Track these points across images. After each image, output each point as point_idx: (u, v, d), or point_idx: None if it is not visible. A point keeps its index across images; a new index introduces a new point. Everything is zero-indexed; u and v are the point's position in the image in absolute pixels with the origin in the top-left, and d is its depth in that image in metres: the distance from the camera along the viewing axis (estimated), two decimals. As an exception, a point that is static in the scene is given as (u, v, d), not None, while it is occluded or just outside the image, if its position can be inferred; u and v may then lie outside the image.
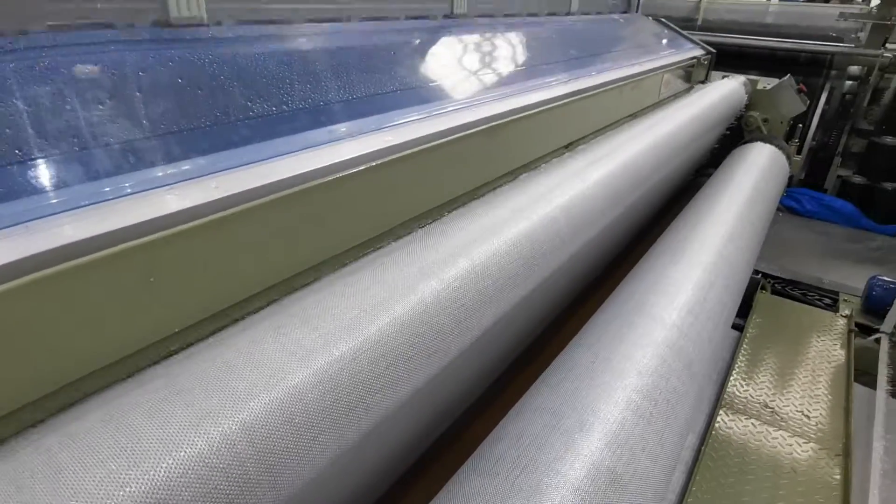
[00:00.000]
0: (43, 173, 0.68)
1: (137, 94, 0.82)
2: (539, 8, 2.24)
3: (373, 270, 0.92)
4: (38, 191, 0.65)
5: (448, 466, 0.93)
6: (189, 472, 0.57)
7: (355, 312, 0.82)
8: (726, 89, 3.12)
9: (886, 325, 2.71)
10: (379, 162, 0.95)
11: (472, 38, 1.65)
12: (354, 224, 0.95)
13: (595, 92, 1.74)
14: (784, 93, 3.31)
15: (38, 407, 0.59)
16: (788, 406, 2.07)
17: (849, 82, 4.54)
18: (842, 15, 4.45)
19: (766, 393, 2.12)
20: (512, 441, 0.86)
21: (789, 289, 3.10)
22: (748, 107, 3.45)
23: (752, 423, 1.98)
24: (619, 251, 2.01)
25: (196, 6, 0.94)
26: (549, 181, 1.39)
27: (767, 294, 2.89)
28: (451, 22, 1.73)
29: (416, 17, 1.65)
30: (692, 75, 3.17)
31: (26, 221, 0.59)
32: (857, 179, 4.37)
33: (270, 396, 0.66)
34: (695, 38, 3.64)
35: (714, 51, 3.45)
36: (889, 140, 4.20)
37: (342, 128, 1.01)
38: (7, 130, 0.68)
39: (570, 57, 1.90)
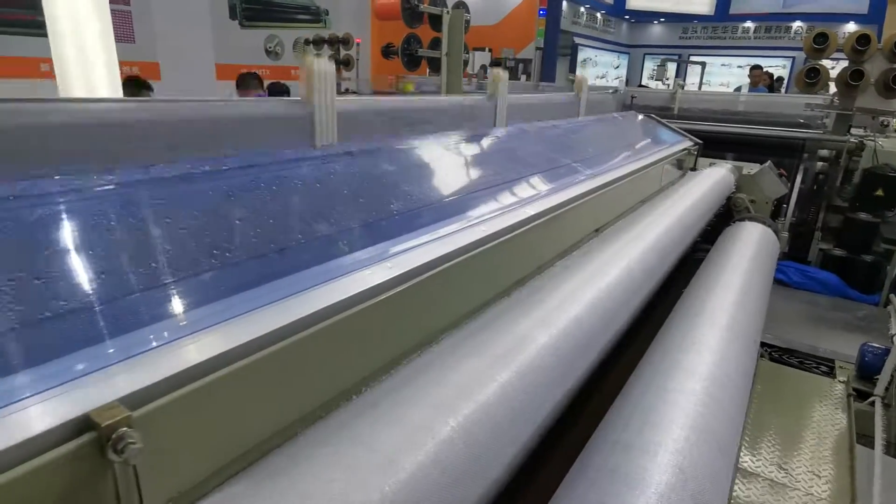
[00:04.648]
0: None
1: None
2: (555, 114, 2.64)
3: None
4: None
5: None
6: None
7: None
8: (718, 175, 3.49)
9: (878, 389, 2.89)
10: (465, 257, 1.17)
11: (521, 145, 1.97)
12: (448, 307, 1.17)
13: (616, 184, 2.04)
14: (766, 177, 3.68)
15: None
16: (800, 467, 2.19)
17: (820, 163, 4.97)
18: (808, 105, 4.97)
19: (778, 455, 2.25)
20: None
21: (786, 357, 3.30)
22: (735, 189, 3.81)
23: (769, 485, 2.11)
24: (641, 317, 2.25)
25: (332, 137, 1.21)
26: (592, 264, 1.65)
27: (767, 361, 3.08)
28: (498, 130, 2.06)
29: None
30: (684, 163, 3.55)
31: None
32: (838, 252, 4.69)
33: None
34: (679, 127, 4.05)
35: (701, 141, 3.86)
36: (863, 216, 4.56)
37: (444, 227, 1.24)
38: (230, 227, 0.91)
39: (588, 155, 2.23)
